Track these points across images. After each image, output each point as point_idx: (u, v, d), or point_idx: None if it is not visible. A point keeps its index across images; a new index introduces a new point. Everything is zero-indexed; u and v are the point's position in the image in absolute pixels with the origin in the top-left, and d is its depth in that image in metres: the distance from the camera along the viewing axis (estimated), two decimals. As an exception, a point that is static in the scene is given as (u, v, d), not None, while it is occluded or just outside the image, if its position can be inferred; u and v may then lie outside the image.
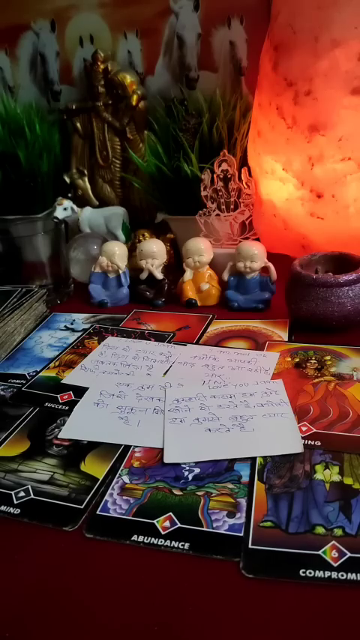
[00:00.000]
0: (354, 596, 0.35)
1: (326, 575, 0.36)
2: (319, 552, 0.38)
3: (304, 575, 0.36)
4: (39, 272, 0.86)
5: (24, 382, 0.63)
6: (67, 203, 1.05)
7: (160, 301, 0.84)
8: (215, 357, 0.66)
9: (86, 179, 1.13)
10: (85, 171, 1.13)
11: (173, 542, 0.40)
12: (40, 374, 0.65)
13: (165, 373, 0.63)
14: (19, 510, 0.44)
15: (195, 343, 0.71)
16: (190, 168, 0.92)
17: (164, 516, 0.42)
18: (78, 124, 1.11)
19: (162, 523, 0.42)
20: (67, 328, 0.78)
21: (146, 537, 0.41)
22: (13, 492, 0.46)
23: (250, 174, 0.86)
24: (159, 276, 0.85)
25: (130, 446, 0.51)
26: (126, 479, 0.47)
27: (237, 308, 0.80)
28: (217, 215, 0.89)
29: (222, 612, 0.35)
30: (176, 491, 0.45)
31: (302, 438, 0.50)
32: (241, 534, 0.40)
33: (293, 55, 0.74)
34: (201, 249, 0.83)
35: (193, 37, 1.03)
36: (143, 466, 0.48)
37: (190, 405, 0.55)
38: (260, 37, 0.82)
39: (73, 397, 0.59)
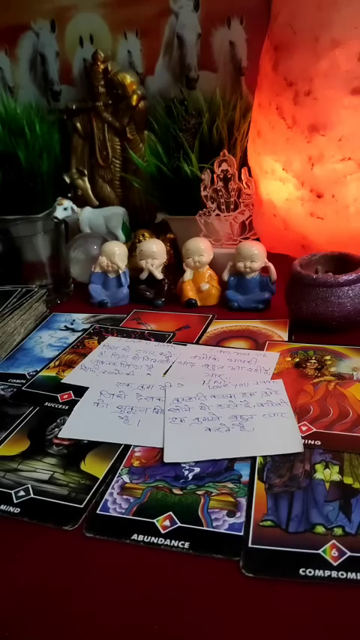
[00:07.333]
0: (354, 595, 0.35)
1: (326, 575, 0.36)
2: (319, 551, 0.38)
3: (304, 574, 0.36)
4: (39, 272, 0.87)
5: (24, 382, 0.64)
6: (67, 203, 1.05)
7: (160, 301, 0.84)
8: (215, 356, 0.66)
9: (86, 179, 1.13)
10: (85, 171, 1.13)
11: (173, 542, 0.40)
12: (40, 374, 0.65)
13: (165, 373, 0.63)
14: (19, 510, 0.44)
15: (195, 343, 0.71)
16: (190, 168, 0.92)
17: (164, 515, 0.42)
18: (78, 124, 1.11)
19: (162, 522, 0.42)
20: (67, 328, 0.78)
21: (146, 536, 0.41)
22: (13, 492, 0.46)
23: (250, 174, 0.86)
24: (159, 276, 0.85)
25: (130, 445, 0.51)
26: (126, 478, 0.47)
27: (237, 308, 0.80)
28: (217, 215, 0.89)
29: (222, 611, 0.35)
30: (176, 491, 0.45)
31: (302, 437, 0.50)
32: (241, 533, 0.40)
33: (293, 55, 0.74)
34: (201, 249, 0.83)
35: (193, 37, 1.03)
36: (143, 465, 0.48)
37: (190, 404, 0.55)
38: (260, 37, 0.82)
39: (73, 397, 0.59)
